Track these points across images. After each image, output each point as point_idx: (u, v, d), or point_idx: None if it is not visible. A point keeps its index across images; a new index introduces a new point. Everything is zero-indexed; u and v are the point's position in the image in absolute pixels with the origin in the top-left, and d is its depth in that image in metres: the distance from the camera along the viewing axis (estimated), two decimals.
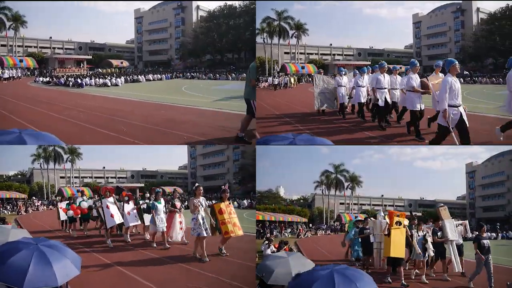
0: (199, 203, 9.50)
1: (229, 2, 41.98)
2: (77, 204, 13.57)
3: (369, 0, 43.06)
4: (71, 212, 13.51)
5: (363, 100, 15.10)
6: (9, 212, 26.43)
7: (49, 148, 38.45)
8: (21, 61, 36.59)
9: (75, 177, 43.22)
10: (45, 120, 15.32)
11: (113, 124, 14.27)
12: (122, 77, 35.99)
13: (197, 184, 9.84)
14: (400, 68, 14.96)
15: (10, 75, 34.01)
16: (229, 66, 41.37)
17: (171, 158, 61.55)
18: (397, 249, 9.20)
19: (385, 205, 43.71)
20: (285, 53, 40.79)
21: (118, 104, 21.55)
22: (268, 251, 11.11)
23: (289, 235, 24.90)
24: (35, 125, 13.40)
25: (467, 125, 8.83)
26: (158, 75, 39.67)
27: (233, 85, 31.15)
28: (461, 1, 41.33)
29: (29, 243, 5.73)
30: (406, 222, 9.63)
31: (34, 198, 34.68)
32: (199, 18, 44.41)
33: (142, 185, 41.44)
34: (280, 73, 36.89)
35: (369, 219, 11.64)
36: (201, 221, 9.38)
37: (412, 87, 11.64)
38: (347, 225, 14.01)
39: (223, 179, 39.63)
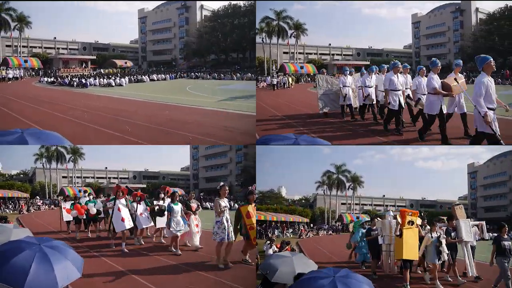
0: (226, 205, 8.65)
1: (233, 2, 41.81)
2: (82, 203, 13.14)
3: (369, 0, 43.01)
4: (75, 212, 13.01)
5: (373, 100, 14.77)
6: (11, 211, 26.49)
7: (52, 148, 38.59)
8: (25, 61, 36.69)
9: (77, 177, 43.40)
10: (50, 120, 15.39)
11: (117, 124, 14.33)
12: (126, 77, 36.01)
13: (222, 183, 8.93)
14: (410, 67, 14.22)
15: (15, 76, 34.17)
16: (233, 65, 41.21)
17: (173, 159, 61.50)
18: (411, 251, 8.55)
19: (387, 205, 43.70)
20: (284, 53, 40.61)
21: (122, 104, 21.62)
22: (270, 251, 11.08)
23: (291, 235, 24.88)
24: (39, 125, 13.42)
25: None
26: (162, 75, 39.60)
27: (237, 85, 31.07)
28: (460, 1, 41.17)
29: (32, 243, 5.69)
30: (419, 221, 9.04)
31: (37, 197, 34.83)
32: (203, 17, 44.34)
33: (144, 186, 41.59)
34: (278, 73, 36.87)
35: (376, 219, 10.99)
36: (226, 224, 8.56)
37: (434, 88, 10.72)
38: (352, 225, 13.41)
39: (225, 181, 39.62)
